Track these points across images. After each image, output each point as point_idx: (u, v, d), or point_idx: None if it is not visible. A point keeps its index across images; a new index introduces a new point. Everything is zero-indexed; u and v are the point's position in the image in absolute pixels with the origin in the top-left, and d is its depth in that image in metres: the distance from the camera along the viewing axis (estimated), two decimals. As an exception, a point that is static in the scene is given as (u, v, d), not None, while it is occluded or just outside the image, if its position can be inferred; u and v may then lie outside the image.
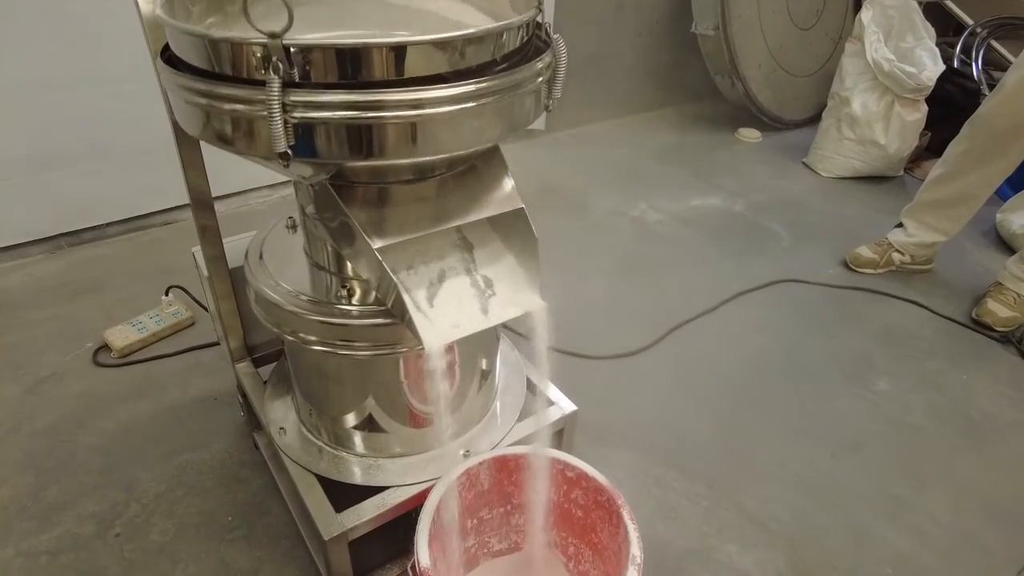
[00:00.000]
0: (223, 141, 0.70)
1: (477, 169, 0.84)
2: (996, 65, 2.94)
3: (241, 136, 0.68)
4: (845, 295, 1.92)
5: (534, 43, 0.82)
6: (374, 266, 0.77)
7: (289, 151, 0.65)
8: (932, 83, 2.37)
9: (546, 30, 0.83)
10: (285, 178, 2.15)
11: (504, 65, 0.73)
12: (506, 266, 0.83)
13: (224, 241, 1.07)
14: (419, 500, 0.94)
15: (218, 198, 1.04)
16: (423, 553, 0.84)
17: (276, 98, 0.61)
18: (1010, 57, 2.93)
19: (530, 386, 1.17)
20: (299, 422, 1.08)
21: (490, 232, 0.83)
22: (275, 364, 1.22)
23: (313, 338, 0.88)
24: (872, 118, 2.46)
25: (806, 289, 1.94)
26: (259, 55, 0.63)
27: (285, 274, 0.94)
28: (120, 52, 1.74)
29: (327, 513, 0.93)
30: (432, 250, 0.80)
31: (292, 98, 0.62)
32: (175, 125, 0.88)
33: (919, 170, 2.67)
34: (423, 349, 0.76)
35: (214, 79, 0.66)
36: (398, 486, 0.98)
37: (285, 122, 0.63)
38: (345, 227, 0.79)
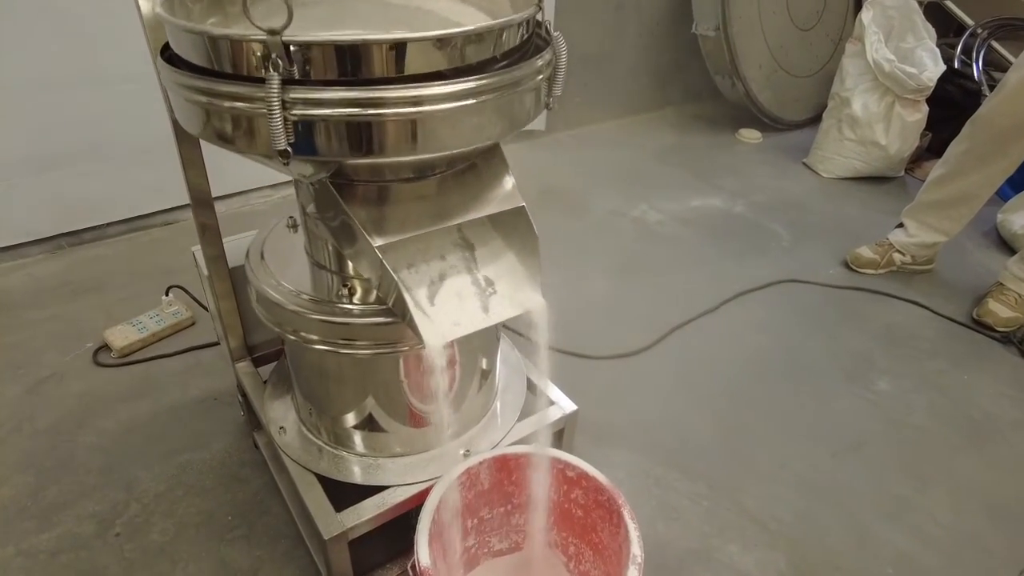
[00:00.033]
0: (223, 139, 0.70)
1: (477, 167, 0.84)
2: (997, 66, 2.94)
3: (241, 134, 0.68)
4: (846, 295, 1.92)
5: (534, 41, 0.82)
6: (375, 265, 0.77)
7: (289, 149, 0.64)
8: (933, 84, 2.37)
9: (546, 28, 0.83)
10: (286, 178, 2.15)
11: (504, 63, 0.73)
12: (507, 264, 0.83)
13: (224, 240, 1.07)
14: (419, 500, 0.94)
15: (219, 198, 1.04)
16: (423, 552, 0.84)
17: (276, 95, 0.61)
18: (1010, 58, 2.93)
19: (530, 386, 1.17)
20: (299, 421, 1.08)
21: (491, 230, 0.83)
22: (275, 364, 1.22)
23: (314, 337, 0.88)
24: (873, 119, 2.46)
25: (807, 289, 1.93)
26: (259, 52, 0.62)
27: (286, 273, 0.94)
28: (120, 52, 1.75)
29: (327, 512, 0.92)
30: (433, 248, 0.80)
31: (292, 95, 0.62)
32: (175, 124, 0.88)
33: (920, 171, 2.67)
34: (424, 348, 0.76)
35: (214, 77, 0.66)
36: (398, 485, 0.97)
37: (285, 119, 0.63)
38: (346, 226, 0.79)
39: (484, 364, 1.04)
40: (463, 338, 0.79)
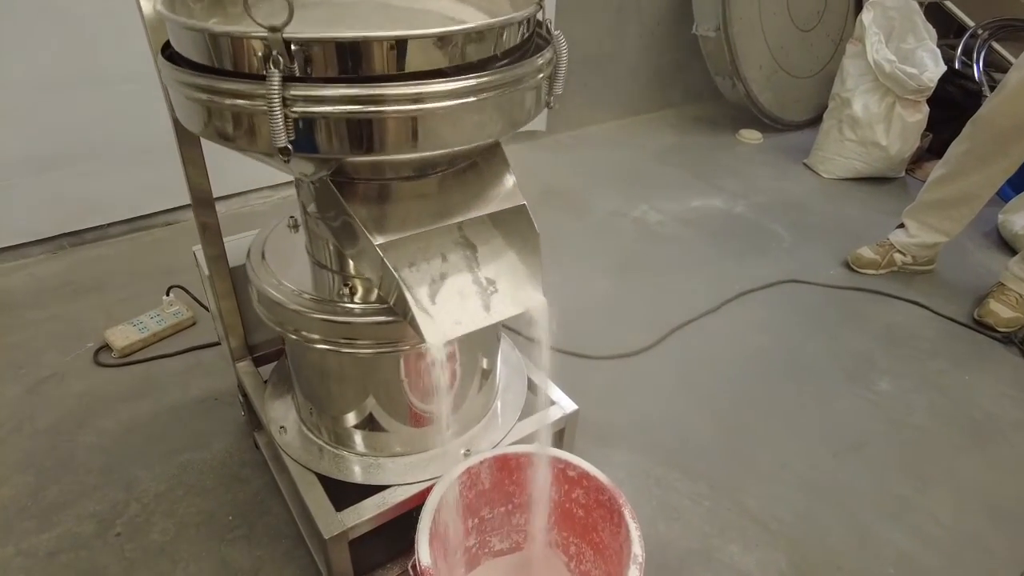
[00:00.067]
0: (224, 137, 0.70)
1: (478, 166, 0.84)
2: (997, 67, 2.94)
3: (242, 132, 0.68)
4: (847, 295, 1.92)
5: (535, 40, 0.82)
6: (376, 264, 0.77)
7: (289, 146, 0.64)
8: (933, 84, 2.37)
9: (547, 27, 0.83)
10: (286, 178, 2.15)
11: (505, 61, 0.73)
12: (508, 263, 0.83)
13: (225, 240, 1.07)
14: (420, 499, 0.94)
15: (219, 198, 1.04)
16: (424, 552, 0.84)
17: (276, 92, 0.61)
18: (1011, 58, 2.93)
19: (531, 386, 1.17)
20: (299, 421, 1.08)
21: (492, 229, 0.83)
22: (275, 363, 1.22)
23: (316, 336, 0.88)
24: (873, 119, 2.46)
25: (808, 290, 1.93)
26: (260, 49, 0.62)
27: (287, 273, 0.94)
28: (121, 52, 1.75)
29: (327, 512, 0.92)
30: (434, 247, 0.80)
31: (292, 92, 0.62)
32: (176, 123, 0.88)
33: (920, 171, 2.67)
34: (425, 346, 0.76)
35: (215, 74, 0.66)
36: (399, 485, 0.97)
37: (285, 117, 0.63)
38: (347, 225, 0.78)
39: (485, 363, 1.04)
40: (464, 337, 0.79)
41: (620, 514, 0.91)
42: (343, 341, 0.87)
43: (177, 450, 1.32)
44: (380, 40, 0.63)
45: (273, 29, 0.59)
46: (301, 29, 0.60)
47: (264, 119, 0.63)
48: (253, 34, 0.61)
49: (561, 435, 1.13)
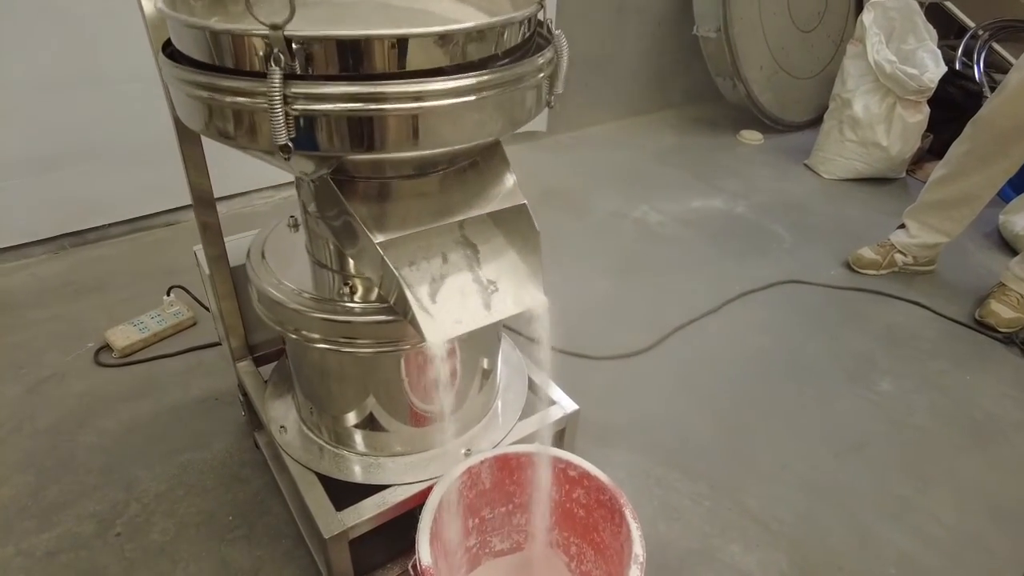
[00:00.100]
0: (225, 135, 0.70)
1: (479, 165, 0.84)
2: (998, 68, 2.94)
3: (243, 130, 0.68)
4: (847, 296, 1.92)
5: (536, 40, 0.82)
6: (376, 262, 0.77)
7: (290, 144, 0.64)
8: (934, 85, 2.37)
9: (548, 26, 0.83)
10: (287, 179, 2.15)
11: (506, 60, 0.73)
12: (508, 262, 0.83)
13: (226, 240, 1.07)
14: (420, 499, 0.94)
15: (220, 199, 1.04)
16: (424, 551, 0.84)
17: (277, 90, 0.61)
18: (1011, 59, 2.93)
19: (532, 386, 1.17)
20: (300, 421, 1.08)
21: (492, 228, 0.83)
22: (276, 363, 1.22)
23: (316, 336, 0.88)
24: (874, 120, 2.46)
25: (808, 290, 1.93)
26: (261, 47, 0.63)
27: (287, 272, 0.94)
28: (121, 52, 1.75)
29: (327, 511, 0.92)
30: (434, 246, 0.80)
31: (293, 90, 0.62)
32: (177, 122, 0.88)
33: (921, 172, 2.67)
34: (425, 345, 0.76)
35: (216, 72, 0.66)
36: (399, 484, 0.97)
37: (286, 114, 0.63)
38: (347, 224, 0.78)
39: (485, 363, 1.04)
40: (464, 337, 0.79)
41: (621, 514, 0.91)
42: (343, 340, 0.87)
43: (177, 450, 1.32)
44: (381, 38, 0.63)
45: (274, 27, 0.59)
46: (302, 27, 0.60)
47: (265, 117, 0.63)
48: (254, 32, 0.61)
49: (562, 435, 1.13)
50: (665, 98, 3.21)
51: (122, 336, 1.55)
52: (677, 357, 1.64)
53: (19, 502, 1.21)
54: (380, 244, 0.74)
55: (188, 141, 0.94)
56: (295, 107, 0.63)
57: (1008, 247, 2.19)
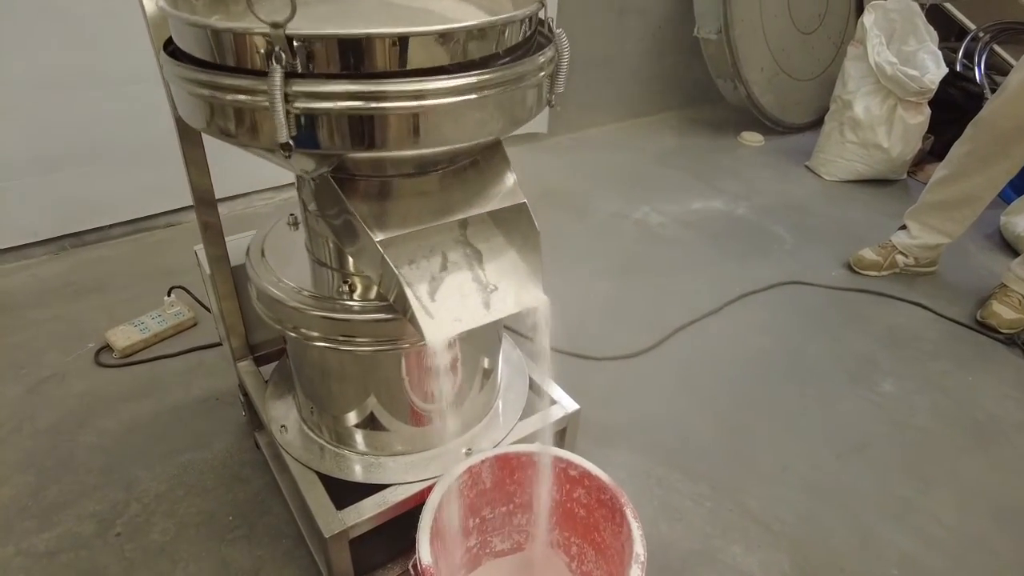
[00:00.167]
0: (226, 134, 0.70)
1: (479, 164, 0.84)
2: (999, 69, 2.93)
3: (244, 128, 0.68)
4: (849, 297, 1.92)
5: (536, 39, 0.82)
6: (376, 261, 0.77)
7: (291, 142, 0.65)
8: (935, 86, 2.37)
9: (548, 25, 0.83)
10: (288, 180, 2.16)
11: (507, 59, 0.73)
12: (508, 261, 0.83)
13: (226, 240, 1.07)
14: (420, 498, 0.94)
15: (221, 200, 1.05)
16: (424, 551, 0.83)
17: (278, 88, 0.61)
18: (1012, 61, 2.93)
19: (533, 386, 1.17)
20: (300, 420, 1.08)
21: (492, 227, 0.83)
22: (276, 363, 1.22)
23: (315, 334, 0.88)
24: (875, 121, 2.46)
25: (809, 291, 1.93)
26: (262, 46, 0.63)
27: (287, 271, 0.94)
28: (122, 53, 1.75)
29: (328, 511, 0.92)
30: (434, 244, 0.80)
31: (294, 88, 0.62)
32: (178, 121, 0.88)
33: (922, 173, 2.67)
34: (425, 344, 0.76)
35: (217, 70, 0.66)
36: (399, 484, 0.97)
37: (287, 112, 0.63)
38: (348, 222, 0.79)
39: (486, 363, 1.04)
40: (465, 336, 0.79)
41: (622, 513, 0.91)
42: (343, 339, 0.87)
43: (178, 450, 1.31)
44: (382, 37, 0.63)
45: (275, 25, 0.59)
46: (303, 26, 0.60)
47: (266, 115, 0.64)
48: (256, 30, 0.61)
49: (563, 435, 1.13)
50: (666, 100, 3.21)
51: (123, 336, 1.55)
52: (678, 358, 1.64)
53: (19, 502, 1.21)
54: (380, 242, 0.74)
55: (189, 140, 0.94)
56: (296, 105, 0.63)
57: (1009, 248, 2.19)
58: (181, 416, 1.40)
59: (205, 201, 1.02)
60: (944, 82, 2.39)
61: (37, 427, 1.36)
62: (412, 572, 0.87)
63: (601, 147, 2.87)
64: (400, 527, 0.96)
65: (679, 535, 1.20)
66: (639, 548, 0.86)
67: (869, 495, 1.30)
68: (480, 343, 1.01)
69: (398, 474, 0.99)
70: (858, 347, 1.71)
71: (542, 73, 0.76)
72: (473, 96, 0.67)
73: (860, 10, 2.91)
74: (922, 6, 2.48)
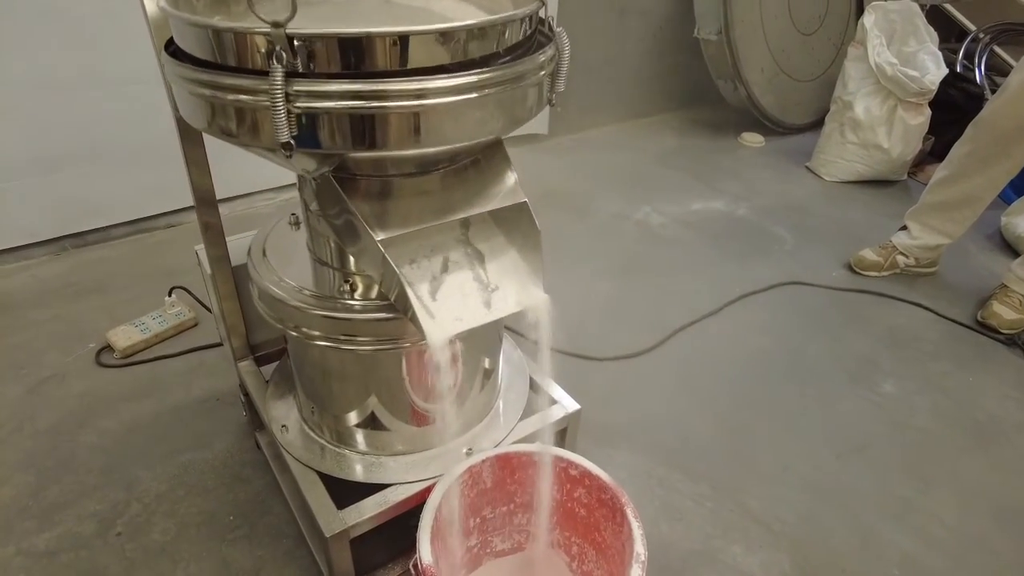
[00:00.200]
0: (227, 134, 0.70)
1: (480, 163, 0.84)
2: (999, 71, 2.94)
3: (245, 127, 0.68)
4: (849, 298, 1.92)
5: (537, 38, 0.82)
6: (377, 260, 0.77)
7: (292, 141, 0.65)
8: (935, 87, 2.37)
9: (549, 24, 0.83)
10: (289, 180, 2.16)
11: (507, 58, 0.73)
12: (509, 260, 0.83)
13: (227, 240, 1.07)
14: (421, 498, 0.93)
15: (222, 200, 1.05)
16: (425, 550, 0.83)
17: (279, 87, 0.61)
18: (1012, 62, 2.93)
19: (533, 386, 1.17)
20: (301, 420, 1.08)
21: (493, 226, 0.83)
22: (277, 363, 1.22)
23: (316, 333, 0.88)
24: (875, 122, 2.46)
25: (810, 292, 1.93)
26: (263, 45, 0.63)
27: (288, 270, 0.94)
28: (122, 53, 1.75)
29: (329, 510, 0.92)
30: (435, 244, 0.80)
31: (295, 88, 0.62)
32: (179, 121, 0.88)
33: (923, 174, 2.67)
34: (426, 343, 0.76)
35: (218, 70, 0.66)
36: (400, 483, 0.97)
37: (288, 112, 0.63)
38: (349, 222, 0.79)
39: (487, 362, 1.04)
40: (465, 336, 0.79)
41: (622, 513, 0.91)
42: (344, 338, 0.87)
43: (178, 450, 1.31)
44: (383, 36, 0.63)
45: (276, 25, 0.59)
46: (304, 25, 0.60)
47: (267, 114, 0.64)
48: (257, 30, 0.62)
49: (563, 435, 1.13)
50: (666, 101, 3.21)
51: (123, 337, 1.55)
52: (679, 358, 1.64)
53: (20, 502, 1.21)
54: (381, 241, 0.74)
55: (190, 140, 0.94)
56: (297, 105, 0.63)
57: (1010, 249, 2.19)
58: (182, 416, 1.40)
59: (206, 201, 1.02)
60: (944, 83, 2.39)
61: (37, 427, 1.36)
62: (413, 572, 0.87)
63: (602, 148, 2.87)
64: (401, 527, 0.96)
65: (680, 535, 1.20)
66: (640, 548, 0.86)
67: (870, 495, 1.30)
68: (481, 343, 1.01)
69: (399, 474, 0.99)
70: (858, 347, 1.71)
71: (543, 72, 0.76)
72: (474, 95, 0.67)
73: (860, 11, 2.92)
74: (922, 7, 2.49)
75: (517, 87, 0.72)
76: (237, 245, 1.08)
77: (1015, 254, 2.09)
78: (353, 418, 1.00)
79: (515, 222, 0.83)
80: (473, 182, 0.83)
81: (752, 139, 2.95)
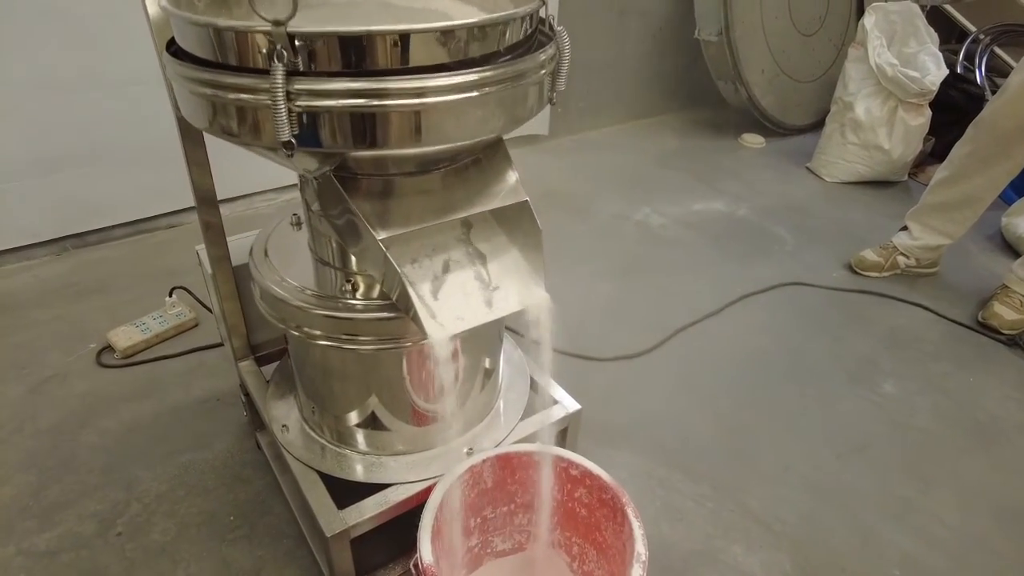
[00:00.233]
0: (228, 133, 0.70)
1: (481, 162, 0.84)
2: (999, 72, 2.94)
3: (246, 127, 0.68)
4: (850, 298, 1.92)
5: (537, 37, 0.82)
6: (379, 259, 0.77)
7: (293, 140, 0.65)
8: (935, 87, 2.37)
9: (549, 24, 0.83)
10: (290, 181, 2.16)
11: (508, 56, 0.73)
12: (510, 259, 0.83)
13: (228, 239, 1.07)
14: (422, 498, 0.93)
15: (223, 201, 1.05)
16: (425, 549, 0.83)
17: (280, 86, 0.61)
18: (1013, 63, 2.93)
19: (534, 386, 1.17)
20: (302, 420, 1.08)
21: (494, 225, 0.83)
22: (278, 363, 1.22)
23: (318, 332, 0.88)
24: (876, 123, 2.46)
25: (811, 292, 1.93)
26: (264, 44, 0.63)
27: (290, 270, 0.94)
28: (123, 54, 1.76)
29: (329, 510, 0.92)
30: (436, 243, 0.80)
31: (296, 86, 0.62)
32: (180, 121, 0.88)
33: (923, 175, 2.67)
34: (427, 342, 0.76)
35: (219, 69, 0.66)
36: (401, 483, 0.97)
37: (289, 110, 0.63)
38: (350, 222, 0.79)
39: (487, 362, 1.04)
40: (466, 335, 0.79)
41: (623, 513, 0.91)
42: (345, 337, 0.87)
43: (179, 450, 1.31)
44: (383, 34, 0.63)
45: (277, 23, 0.59)
46: (304, 25, 0.60)
47: (268, 113, 0.64)
48: (257, 28, 0.62)
49: (564, 435, 1.13)
50: (666, 102, 3.22)
51: (124, 337, 1.55)
52: (679, 358, 1.64)
53: (20, 502, 1.21)
54: (383, 241, 0.74)
55: (191, 140, 0.94)
56: (298, 103, 0.63)
57: (1011, 249, 2.18)
58: (182, 416, 1.40)
59: (207, 201, 1.02)
60: (945, 84, 2.39)
61: (38, 427, 1.36)
62: (413, 572, 0.87)
63: (602, 149, 2.88)
64: (401, 527, 0.96)
65: (681, 535, 1.20)
66: (640, 547, 0.85)
67: (870, 495, 1.30)
68: (481, 342, 1.01)
69: (399, 473, 0.99)
70: (859, 348, 1.71)
71: (543, 71, 0.76)
72: (474, 93, 0.67)
73: (861, 12, 2.92)
74: (923, 8, 2.49)
75: (518, 86, 0.72)
76: (238, 245, 1.08)
77: (1016, 254, 2.09)
78: (354, 418, 1.00)
79: (516, 221, 0.83)
80: (474, 181, 0.83)
81: (753, 140, 2.95)
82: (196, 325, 1.64)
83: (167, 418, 1.39)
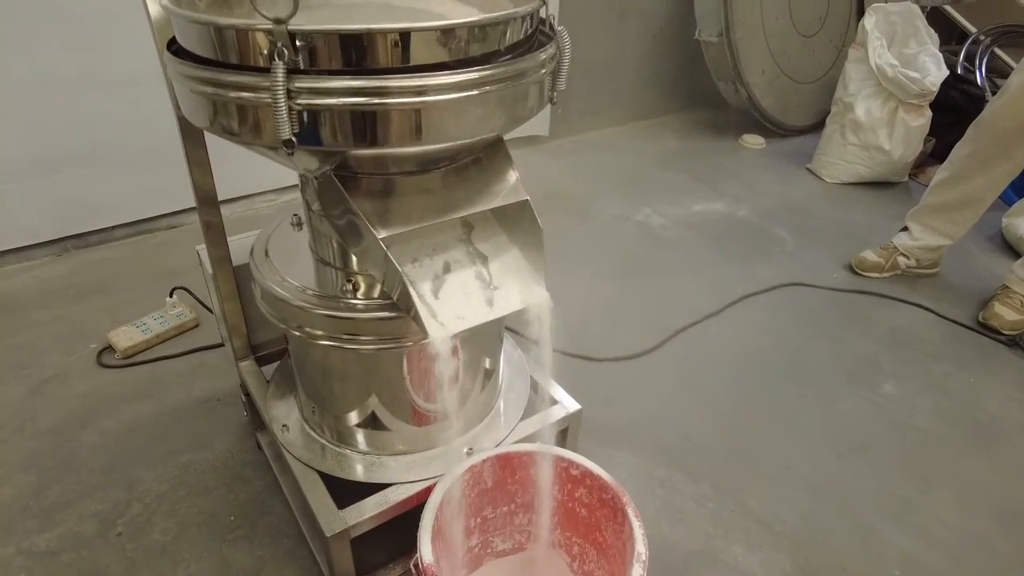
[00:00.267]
0: (229, 132, 0.70)
1: (481, 161, 0.84)
2: (1000, 72, 2.94)
3: (247, 125, 0.68)
4: (850, 299, 1.92)
5: (538, 36, 0.82)
6: (380, 259, 0.77)
7: (293, 139, 0.65)
8: (936, 88, 2.37)
9: (550, 23, 0.83)
10: (291, 182, 2.16)
11: (508, 56, 0.73)
12: (511, 258, 0.83)
13: (228, 239, 1.07)
14: (422, 498, 0.93)
15: (223, 202, 1.05)
16: (426, 549, 0.83)
17: (281, 84, 0.61)
18: (1013, 63, 2.93)
19: (534, 386, 1.17)
20: (302, 420, 1.08)
21: (495, 224, 0.83)
22: (278, 363, 1.22)
23: (319, 332, 0.88)
24: (876, 124, 2.46)
25: (811, 293, 1.93)
26: (264, 43, 0.63)
27: (291, 270, 0.94)
28: (123, 54, 1.76)
29: (329, 510, 0.92)
30: (437, 242, 0.80)
31: (297, 85, 0.62)
32: (181, 120, 0.88)
33: (923, 175, 2.67)
34: (428, 341, 0.76)
35: (220, 68, 0.67)
36: (401, 483, 0.97)
37: (290, 109, 0.63)
38: (351, 221, 0.79)
39: (487, 362, 1.04)
40: (466, 335, 0.79)
41: (623, 512, 0.91)
42: (346, 337, 0.87)
43: (179, 450, 1.31)
44: (384, 32, 0.63)
45: (278, 21, 0.60)
46: (306, 23, 0.61)
47: (269, 112, 0.64)
48: (258, 26, 0.62)
49: (564, 435, 1.13)
50: (667, 102, 3.22)
51: (124, 337, 1.55)
52: (679, 359, 1.64)
53: (21, 502, 1.21)
54: (384, 240, 0.74)
55: (192, 140, 0.95)
56: (299, 102, 0.63)
57: (1011, 250, 2.18)
58: (182, 416, 1.40)
59: (208, 201, 1.02)
60: (945, 84, 2.40)
61: (39, 427, 1.36)
62: (414, 571, 0.87)
63: (602, 150, 2.88)
64: (401, 526, 0.96)
65: (681, 535, 1.20)
66: (641, 547, 0.85)
67: (870, 495, 1.30)
68: (482, 342, 1.01)
69: (400, 473, 0.99)
70: (859, 348, 1.71)
71: (544, 70, 0.76)
72: (475, 92, 0.68)
73: (861, 13, 2.92)
74: (923, 9, 2.49)
75: (518, 85, 0.72)
76: (238, 245, 1.08)
77: (1016, 255, 2.09)
78: (354, 418, 1.00)
79: (517, 220, 0.83)
80: (475, 180, 0.83)
81: (753, 141, 2.95)
82: (197, 325, 1.64)
83: (167, 418, 1.39)
